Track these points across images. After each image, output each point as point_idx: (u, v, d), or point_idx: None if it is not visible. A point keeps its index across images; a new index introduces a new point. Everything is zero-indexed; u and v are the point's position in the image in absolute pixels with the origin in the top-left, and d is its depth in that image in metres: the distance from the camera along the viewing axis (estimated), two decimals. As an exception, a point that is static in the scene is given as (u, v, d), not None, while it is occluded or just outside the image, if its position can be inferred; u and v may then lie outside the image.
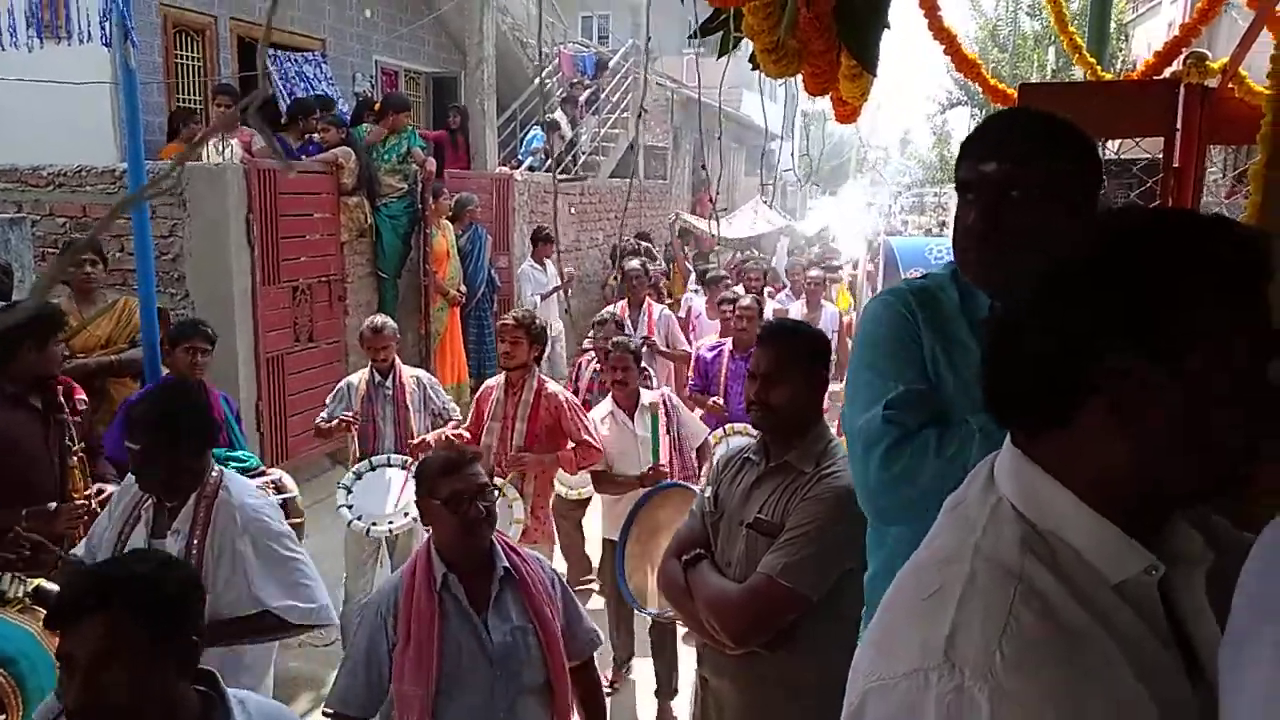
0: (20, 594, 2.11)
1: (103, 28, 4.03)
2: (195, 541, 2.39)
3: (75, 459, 3.22)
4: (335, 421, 4.40)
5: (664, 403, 4.30)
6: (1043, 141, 1.40)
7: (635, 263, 6.90)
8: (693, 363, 5.67)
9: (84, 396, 3.43)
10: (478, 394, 4.35)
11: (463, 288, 7.42)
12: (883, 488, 1.43)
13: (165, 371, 3.86)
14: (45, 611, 1.99)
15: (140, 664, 1.39)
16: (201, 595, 1.60)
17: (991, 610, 0.79)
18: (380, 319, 4.57)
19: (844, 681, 0.93)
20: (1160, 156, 2.82)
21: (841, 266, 11.84)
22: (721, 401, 5.15)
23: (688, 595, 2.21)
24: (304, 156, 6.54)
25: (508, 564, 2.27)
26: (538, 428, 4.03)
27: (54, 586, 2.20)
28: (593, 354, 5.20)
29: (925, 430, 1.39)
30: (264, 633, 2.46)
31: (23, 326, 3.06)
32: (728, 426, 4.77)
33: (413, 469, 3.88)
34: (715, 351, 5.33)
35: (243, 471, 3.56)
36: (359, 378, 4.52)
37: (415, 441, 4.31)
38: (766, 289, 7.88)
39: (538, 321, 4.22)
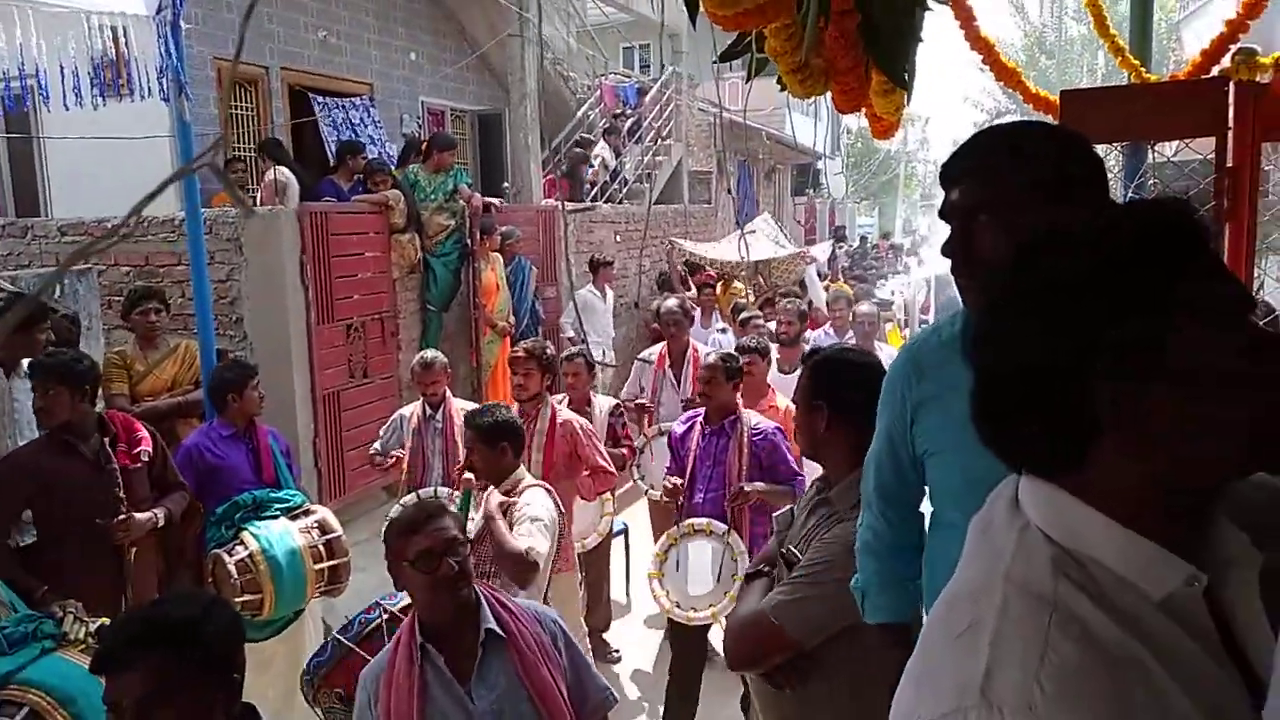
0: (82, 635, 2.17)
1: (160, 84, 4.18)
2: None
3: (123, 506, 3.29)
4: (384, 458, 4.47)
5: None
6: (1005, 157, 1.35)
7: (673, 302, 5.84)
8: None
9: (148, 449, 3.49)
10: None
11: (511, 319, 7.52)
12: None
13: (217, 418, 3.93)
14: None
15: (186, 706, 1.42)
16: (242, 634, 1.62)
17: (1028, 642, 0.75)
18: (430, 354, 4.64)
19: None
20: (1213, 157, 2.74)
21: (892, 302, 10.62)
22: (680, 482, 3.99)
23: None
24: (354, 197, 6.72)
25: (493, 624, 2.08)
26: (554, 457, 4.04)
27: (117, 626, 2.25)
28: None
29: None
30: None
31: (65, 379, 3.20)
32: (686, 524, 3.84)
33: (457, 501, 3.93)
34: (688, 424, 4.15)
35: (286, 511, 3.64)
36: (412, 410, 4.59)
37: (460, 471, 4.33)
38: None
39: (548, 351, 4.27)
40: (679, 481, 3.98)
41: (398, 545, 2.09)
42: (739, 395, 4.10)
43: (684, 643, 3.90)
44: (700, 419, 4.07)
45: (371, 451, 4.62)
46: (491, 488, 3.19)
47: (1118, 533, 0.79)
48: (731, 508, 3.79)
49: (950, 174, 1.41)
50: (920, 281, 14.27)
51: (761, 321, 6.67)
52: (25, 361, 3.63)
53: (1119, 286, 0.76)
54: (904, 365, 1.69)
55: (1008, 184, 1.31)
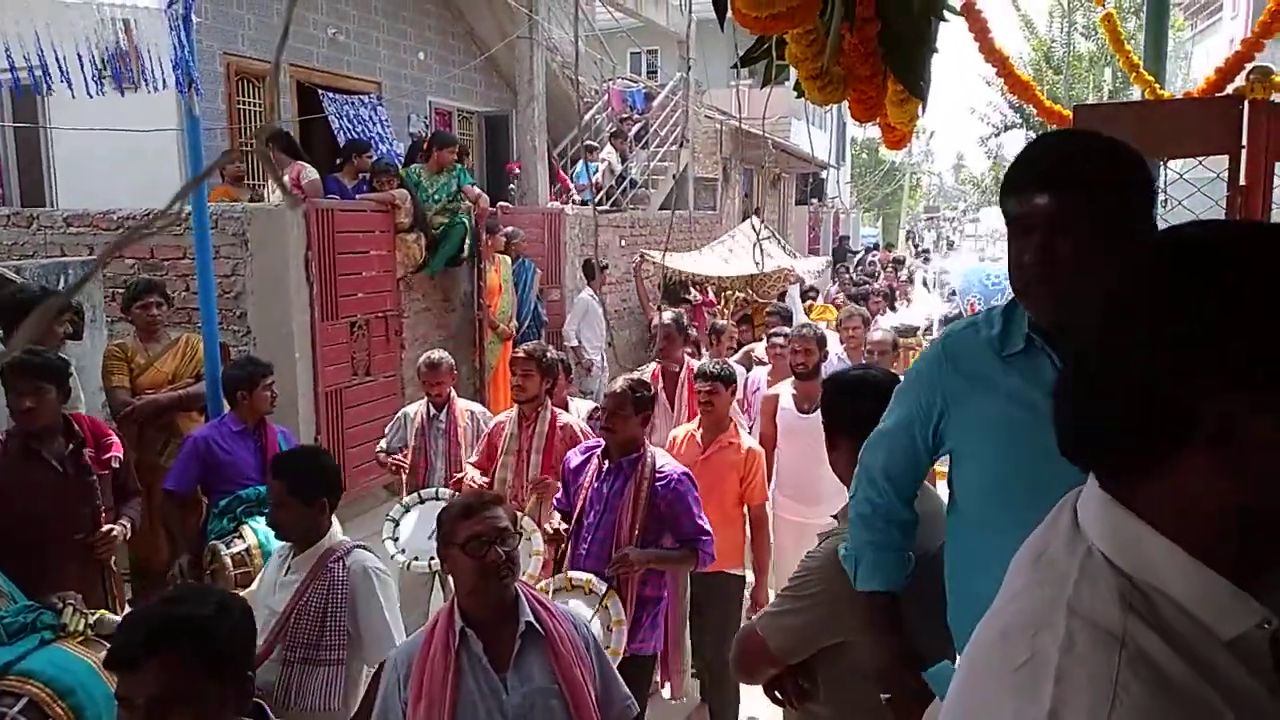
0: (81, 626, 2.16)
1: (177, 77, 4.17)
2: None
3: (101, 519, 3.25)
4: (392, 457, 4.45)
5: None
6: (1096, 167, 1.32)
7: (668, 316, 5.26)
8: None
9: (119, 454, 3.46)
10: (488, 429, 4.30)
11: (514, 323, 7.50)
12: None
13: (226, 409, 3.94)
14: (106, 643, 2.02)
15: (198, 705, 1.41)
16: (254, 631, 1.61)
17: (1096, 681, 0.70)
18: (437, 355, 4.57)
19: None
20: (1226, 174, 2.74)
21: (917, 328, 8.90)
22: (561, 526, 3.42)
23: None
24: (358, 195, 6.71)
25: (532, 618, 2.11)
26: (553, 459, 3.99)
27: (115, 618, 2.24)
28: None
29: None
30: None
31: (55, 377, 3.10)
32: (564, 577, 3.22)
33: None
34: (585, 456, 3.51)
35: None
36: (416, 410, 4.56)
37: (459, 475, 4.26)
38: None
39: (549, 354, 4.25)
40: (562, 526, 3.42)
41: (449, 528, 2.11)
42: (648, 429, 3.50)
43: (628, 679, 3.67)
44: (598, 452, 3.45)
45: (378, 449, 4.60)
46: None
47: (1190, 565, 0.75)
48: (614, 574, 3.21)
49: (1036, 178, 1.34)
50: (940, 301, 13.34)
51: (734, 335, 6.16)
52: None
53: (1258, 298, 0.71)
54: (938, 355, 1.65)
55: (1098, 195, 1.30)
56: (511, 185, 9.87)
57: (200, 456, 3.73)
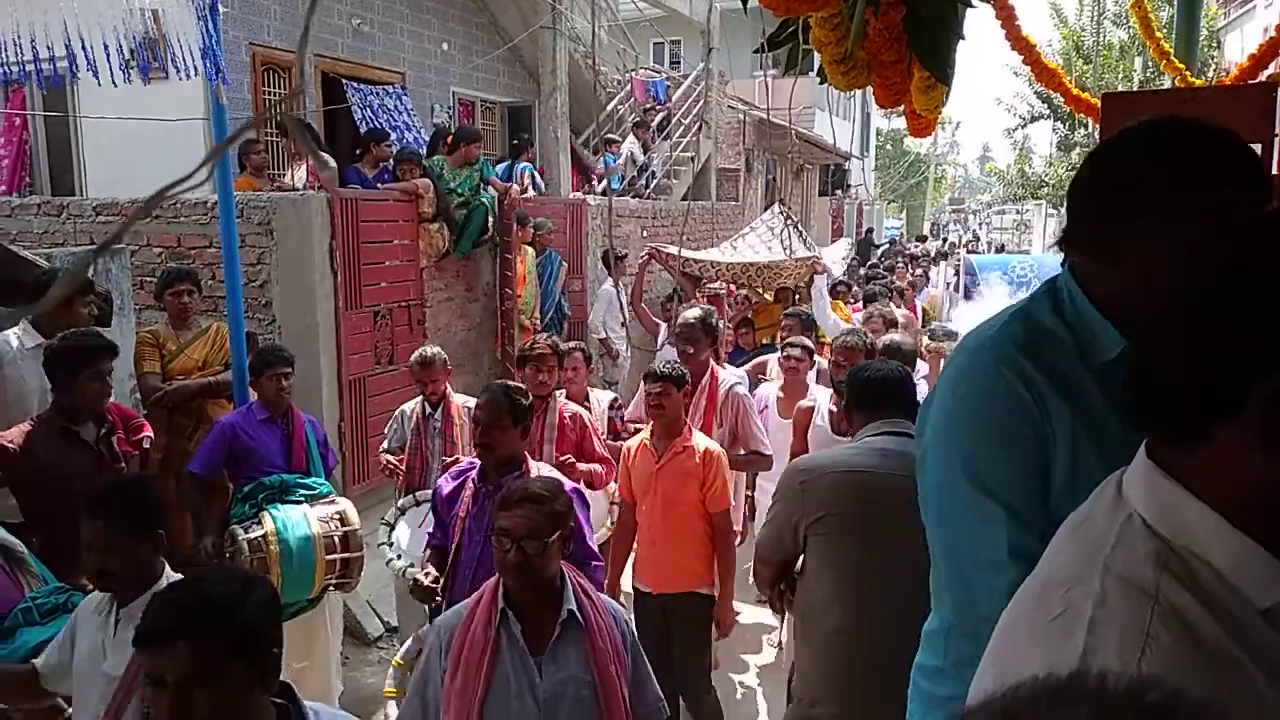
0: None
1: (205, 65, 4.20)
2: None
3: None
4: (394, 460, 4.34)
5: None
6: (1248, 161, 1.20)
7: (694, 314, 4.40)
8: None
9: (149, 434, 3.53)
10: None
11: (536, 316, 7.51)
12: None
13: (254, 396, 4.01)
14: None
15: (226, 683, 1.44)
16: (279, 610, 1.63)
17: (1127, 631, 0.73)
18: (431, 351, 4.41)
19: None
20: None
21: (957, 333, 6.88)
22: (434, 576, 2.98)
23: None
24: (380, 185, 6.74)
25: (574, 607, 2.12)
26: (567, 448, 4.00)
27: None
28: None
29: None
30: None
31: (78, 357, 3.16)
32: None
33: None
34: (458, 480, 3.10)
35: (310, 498, 3.69)
36: (412, 408, 4.43)
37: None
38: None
39: (560, 346, 4.26)
40: (432, 576, 2.97)
41: (494, 510, 2.19)
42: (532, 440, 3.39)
43: None
44: (473, 476, 3.03)
45: (381, 450, 4.51)
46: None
47: (1229, 533, 0.77)
48: None
49: (1225, 171, 1.17)
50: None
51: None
52: (46, 341, 3.50)
53: None
54: (1020, 377, 1.27)
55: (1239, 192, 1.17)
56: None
57: (227, 442, 3.79)
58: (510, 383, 3.23)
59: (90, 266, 4.16)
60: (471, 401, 4.27)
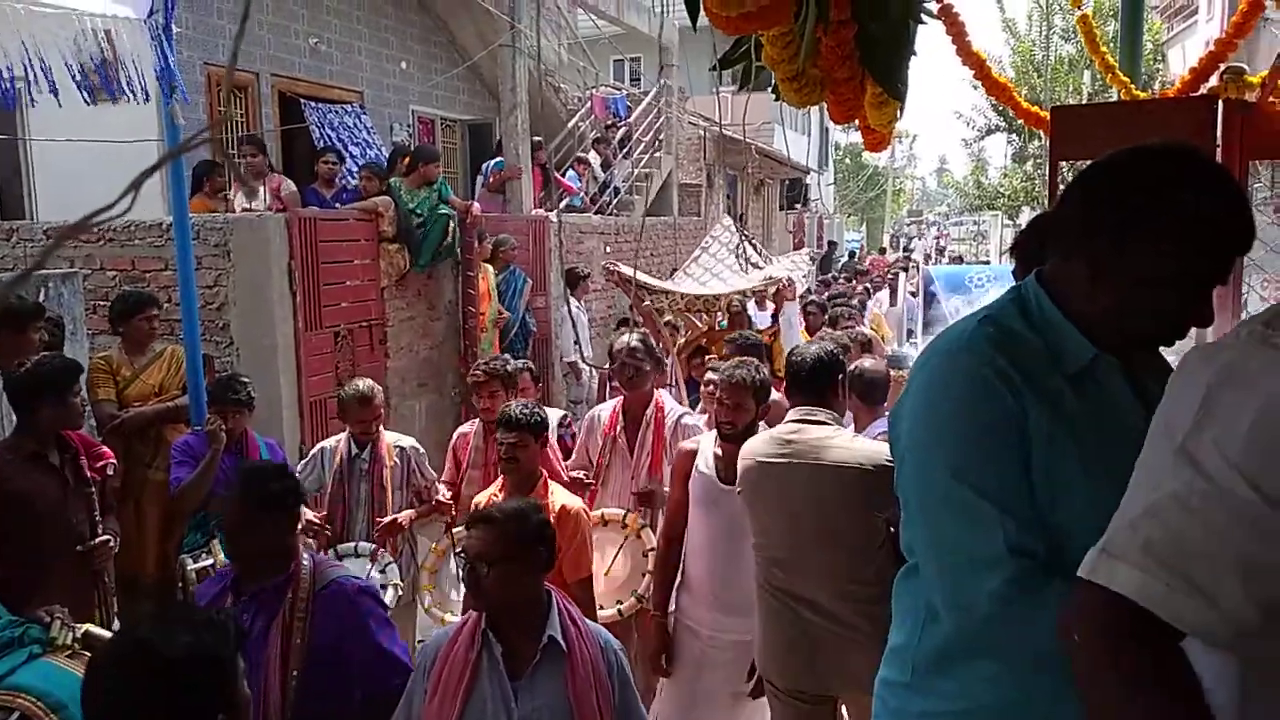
0: (69, 640, 2.14)
1: (160, 85, 4.16)
2: None
3: (100, 529, 3.24)
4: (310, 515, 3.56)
5: None
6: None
7: (634, 339, 3.89)
8: None
9: (112, 460, 3.47)
10: (452, 442, 4.16)
11: (493, 334, 7.47)
12: (997, 617, 1.26)
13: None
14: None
15: None
16: (242, 648, 1.60)
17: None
18: (366, 385, 3.88)
19: None
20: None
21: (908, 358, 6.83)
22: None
23: None
24: (338, 205, 6.69)
25: (557, 634, 2.09)
26: None
27: (103, 632, 2.22)
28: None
29: (1053, 581, 1.19)
30: None
31: (41, 381, 3.10)
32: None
33: (381, 559, 3.55)
34: (218, 589, 2.50)
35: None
36: (335, 444, 3.90)
37: (385, 522, 3.72)
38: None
39: (507, 367, 4.17)
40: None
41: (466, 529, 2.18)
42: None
43: None
44: (228, 581, 2.41)
45: None
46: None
47: None
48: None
49: (1242, 236, 1.26)
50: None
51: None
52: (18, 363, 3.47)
53: None
54: (998, 375, 1.28)
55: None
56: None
57: (194, 455, 3.71)
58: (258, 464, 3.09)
59: (30, 282, 4.06)
60: (405, 441, 4.02)
